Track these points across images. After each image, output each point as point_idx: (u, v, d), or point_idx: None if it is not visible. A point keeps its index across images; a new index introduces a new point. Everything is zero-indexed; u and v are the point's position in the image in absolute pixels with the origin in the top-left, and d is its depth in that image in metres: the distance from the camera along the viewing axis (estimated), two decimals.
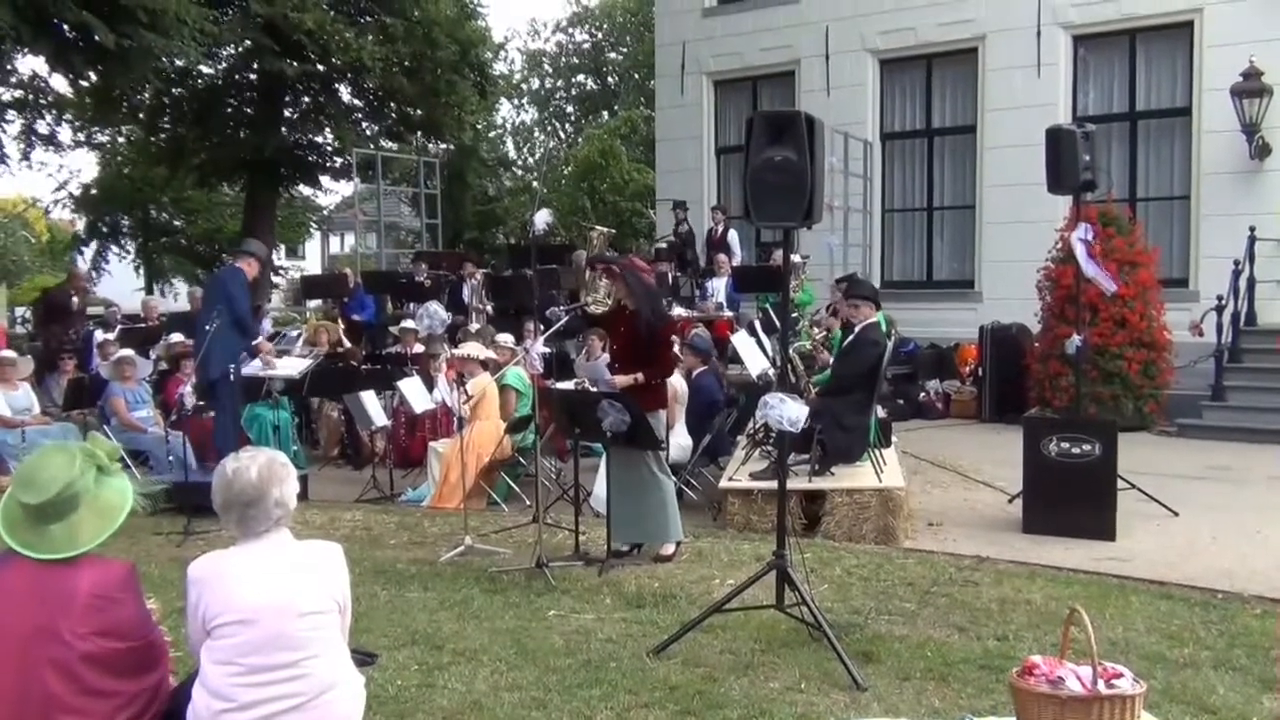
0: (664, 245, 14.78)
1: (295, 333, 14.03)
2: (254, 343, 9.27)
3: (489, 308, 12.93)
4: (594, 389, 6.86)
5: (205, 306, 8.72)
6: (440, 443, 8.88)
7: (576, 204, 28.79)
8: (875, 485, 7.11)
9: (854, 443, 7.34)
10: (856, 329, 7.64)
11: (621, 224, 27.64)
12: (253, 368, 9.43)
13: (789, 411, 4.81)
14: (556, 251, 14.97)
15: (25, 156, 18.84)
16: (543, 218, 6.54)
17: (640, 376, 6.38)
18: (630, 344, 6.43)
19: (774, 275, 11.50)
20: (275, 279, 26.80)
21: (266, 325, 13.07)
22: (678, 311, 11.51)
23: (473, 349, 9.05)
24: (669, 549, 6.47)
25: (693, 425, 8.49)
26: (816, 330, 10.25)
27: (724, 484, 7.52)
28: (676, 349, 8.35)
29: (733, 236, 14.46)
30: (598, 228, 14.99)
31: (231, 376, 8.62)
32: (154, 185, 25.73)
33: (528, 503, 8.30)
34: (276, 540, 3.00)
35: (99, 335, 12.26)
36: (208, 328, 8.60)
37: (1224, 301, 11.25)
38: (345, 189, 28.23)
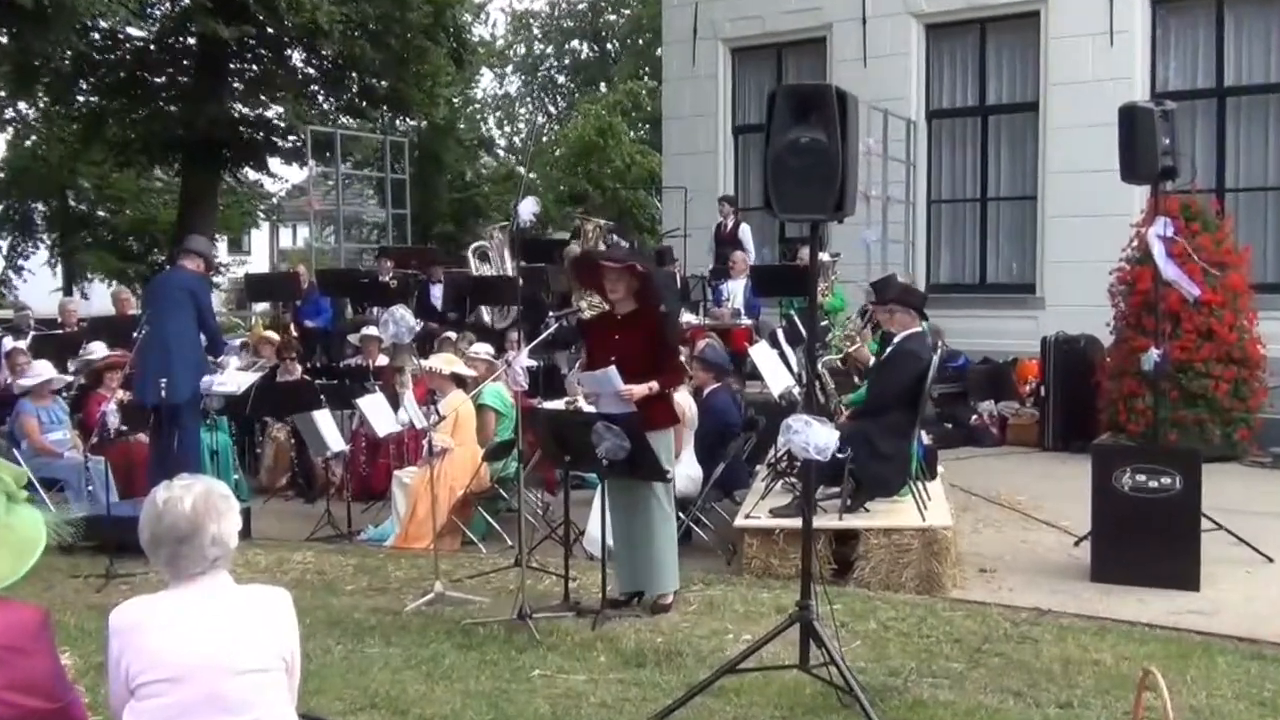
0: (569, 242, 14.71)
1: (238, 341, 14.06)
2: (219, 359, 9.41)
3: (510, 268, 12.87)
4: (593, 406, 6.86)
5: (157, 313, 8.74)
6: (406, 472, 8.88)
7: (574, 190, 28.87)
8: (917, 524, 7.11)
9: (893, 474, 7.35)
10: (895, 340, 7.66)
11: (621, 215, 27.72)
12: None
13: (816, 437, 4.82)
14: (545, 247, 15.01)
15: None
16: (528, 208, 6.56)
17: (656, 385, 6.43)
18: (640, 352, 6.43)
19: (799, 276, 11.54)
20: (216, 279, 26.85)
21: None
22: (686, 319, 11.54)
23: (444, 361, 9.06)
24: (669, 596, 6.49)
25: (703, 453, 8.49)
26: (849, 342, 10.27)
27: (740, 522, 7.52)
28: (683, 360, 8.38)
29: (745, 232, 14.52)
30: (593, 220, 15.08)
31: (204, 399, 8.87)
32: (69, 168, 25.80)
33: (509, 543, 8.31)
34: (213, 585, 3.00)
35: (8, 343, 12.24)
36: (135, 335, 8.63)
37: None
38: (297, 173, 28.34)
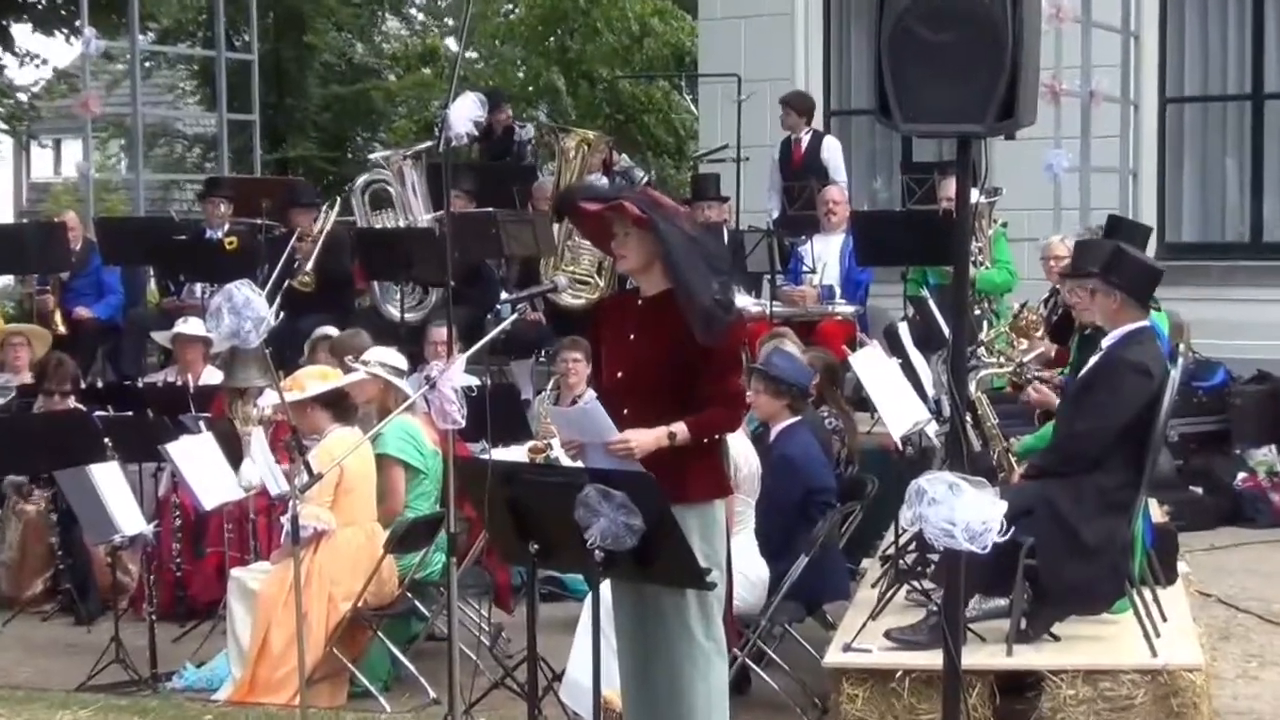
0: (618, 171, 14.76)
1: None
2: None
3: None
4: (575, 459, 6.89)
5: None
6: (253, 571, 8.93)
7: (540, 78, 28.88)
8: (1144, 662, 7.14)
9: (1099, 575, 7.37)
10: (1104, 344, 7.66)
11: (627, 121, 27.75)
12: None
13: (968, 510, 4.83)
14: (497, 181, 15.03)
15: None
16: (467, 111, 6.60)
17: (682, 429, 6.39)
18: (667, 366, 6.45)
19: (938, 231, 11.53)
20: None
21: None
22: (743, 303, 11.55)
23: (314, 376, 9.05)
24: None
25: (771, 537, 8.53)
26: (1022, 343, 10.28)
27: (834, 658, 7.55)
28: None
29: (831, 151, 14.57)
30: (578, 132, 15.08)
31: None
32: None
33: (431, 695, 8.36)
34: None
35: None
36: None
37: None
38: (64, 51, 28.44)
